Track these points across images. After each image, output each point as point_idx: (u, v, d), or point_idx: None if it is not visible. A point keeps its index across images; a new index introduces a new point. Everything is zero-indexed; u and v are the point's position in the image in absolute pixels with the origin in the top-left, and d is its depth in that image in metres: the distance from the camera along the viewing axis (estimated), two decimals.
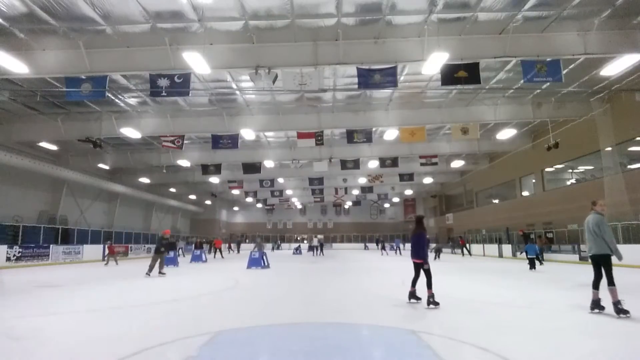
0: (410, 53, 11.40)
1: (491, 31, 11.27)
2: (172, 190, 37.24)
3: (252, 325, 5.37)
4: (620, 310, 5.54)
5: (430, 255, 9.25)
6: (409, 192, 43.03)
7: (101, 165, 24.43)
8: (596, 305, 5.85)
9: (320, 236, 36.84)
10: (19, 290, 9.02)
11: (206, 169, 24.44)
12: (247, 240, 49.62)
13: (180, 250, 28.65)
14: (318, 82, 12.51)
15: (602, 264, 5.72)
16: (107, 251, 19.77)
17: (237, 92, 15.40)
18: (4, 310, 6.48)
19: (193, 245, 28.88)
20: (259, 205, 47.71)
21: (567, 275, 12.44)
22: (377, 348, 4.39)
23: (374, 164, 24.92)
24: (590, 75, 14.44)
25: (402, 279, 10.83)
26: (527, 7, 10.26)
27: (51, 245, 19.77)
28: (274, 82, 11.47)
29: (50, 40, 11.13)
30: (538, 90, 16.12)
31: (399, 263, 19.92)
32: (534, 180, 25.29)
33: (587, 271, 12.80)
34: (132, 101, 16.20)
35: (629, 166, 17.75)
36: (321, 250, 30.48)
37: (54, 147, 20.61)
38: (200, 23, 10.58)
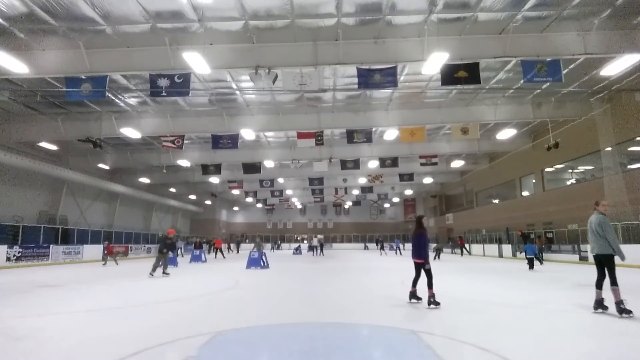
0: (410, 53, 11.41)
1: (491, 31, 11.27)
2: (172, 190, 37.23)
3: (252, 325, 5.37)
4: (622, 310, 5.54)
5: (431, 255, 9.25)
6: (409, 192, 43.04)
7: (101, 165, 24.43)
8: (599, 305, 5.86)
9: (320, 236, 36.84)
10: (19, 290, 9.02)
11: (206, 169, 24.44)
12: (247, 240, 49.63)
13: (180, 250, 28.64)
14: (318, 82, 12.52)
15: (605, 263, 5.73)
16: (105, 251, 19.73)
17: (237, 92, 15.40)
18: (4, 310, 6.48)
19: (192, 245, 28.87)
20: (259, 205, 47.72)
21: (566, 275, 12.45)
22: (377, 348, 4.39)
23: (374, 164, 24.92)
24: (590, 75, 14.44)
25: (402, 279, 10.84)
26: (527, 7, 10.26)
27: (51, 245, 19.77)
28: (274, 82, 11.47)
29: (50, 40, 11.13)
30: (538, 90, 16.12)
31: (399, 263, 19.92)
32: (534, 180, 25.29)
33: (587, 271, 12.84)
34: (132, 101, 16.20)
35: (629, 166, 17.74)
36: (321, 250, 30.49)
37: (54, 147, 20.60)
38: (200, 23, 10.57)
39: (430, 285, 6.48)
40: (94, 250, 22.55)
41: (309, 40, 11.39)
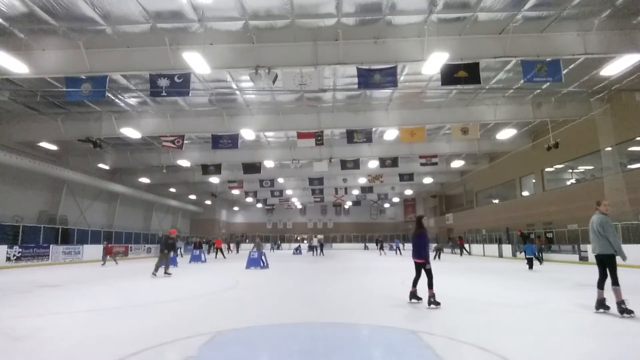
0: (410, 53, 11.40)
1: (491, 31, 11.27)
2: (172, 190, 37.23)
3: (252, 325, 5.37)
4: (623, 310, 5.54)
5: (431, 255, 9.26)
6: (409, 192, 43.04)
7: (101, 165, 24.43)
8: (601, 305, 5.86)
9: (320, 236, 36.83)
10: (19, 290, 9.02)
11: (206, 169, 24.45)
12: (247, 240, 49.63)
13: (180, 250, 28.62)
14: (318, 82, 12.51)
15: (606, 263, 5.73)
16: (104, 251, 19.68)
17: (237, 92, 15.40)
18: (4, 310, 6.48)
19: (192, 245, 28.86)
20: (259, 205, 47.72)
21: (566, 275, 12.45)
22: (377, 348, 4.39)
23: (374, 164, 24.92)
24: (590, 75, 14.44)
25: (402, 279, 10.84)
26: (527, 7, 10.25)
27: (51, 245, 19.78)
28: (274, 82, 11.47)
29: (50, 40, 11.13)
30: (538, 90, 16.12)
31: (399, 263, 19.92)
32: (534, 180, 25.29)
33: (587, 271, 12.85)
34: (132, 101, 16.20)
35: (629, 166, 17.75)
36: (321, 250, 30.48)
37: (54, 147, 20.60)
38: (200, 23, 10.57)
39: (430, 285, 6.48)
40: (94, 250, 22.55)
41: (309, 40, 11.38)
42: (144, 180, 29.29)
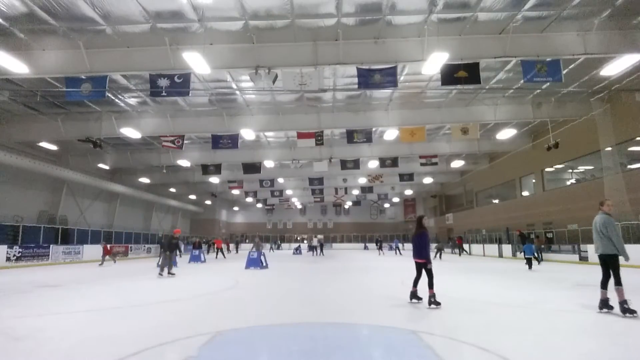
0: (410, 53, 11.40)
1: (491, 31, 11.26)
2: (172, 190, 37.23)
3: (251, 325, 5.38)
4: (626, 310, 5.55)
5: (432, 254, 9.27)
6: (409, 192, 43.04)
7: (101, 165, 24.43)
8: (604, 304, 5.87)
9: (320, 236, 36.83)
10: (19, 290, 9.02)
11: (206, 169, 24.45)
12: (247, 240, 49.62)
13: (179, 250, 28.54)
14: (318, 82, 12.51)
15: (609, 263, 5.74)
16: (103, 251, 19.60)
17: (237, 92, 15.40)
18: (4, 310, 6.48)
19: (192, 245, 28.83)
20: (259, 205, 47.71)
21: (566, 275, 12.43)
22: (377, 348, 4.39)
23: (374, 164, 24.92)
24: (590, 75, 14.44)
25: (402, 279, 10.84)
26: (527, 7, 10.26)
27: (51, 245, 19.77)
28: (274, 82, 11.47)
29: (50, 40, 11.13)
30: (538, 90, 16.12)
31: (399, 263, 19.92)
32: (534, 180, 25.29)
33: (587, 271, 12.85)
34: (132, 101, 16.20)
35: (629, 166, 17.75)
36: (321, 250, 30.48)
37: (54, 147, 20.60)
38: (200, 23, 10.58)
39: (431, 285, 6.48)
40: (93, 250, 22.52)
41: (309, 40, 11.38)
42: (144, 180, 29.29)
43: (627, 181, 16.84)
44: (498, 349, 4.04)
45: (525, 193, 26.73)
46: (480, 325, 5.24)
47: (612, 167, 17.91)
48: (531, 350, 4.07)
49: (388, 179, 30.50)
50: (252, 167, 23.96)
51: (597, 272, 5.99)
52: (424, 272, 6.69)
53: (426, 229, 7.03)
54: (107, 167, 25.23)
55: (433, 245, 23.93)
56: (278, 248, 45.52)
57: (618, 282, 5.61)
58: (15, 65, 10.35)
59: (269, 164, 25.15)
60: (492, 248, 26.98)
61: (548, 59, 11.32)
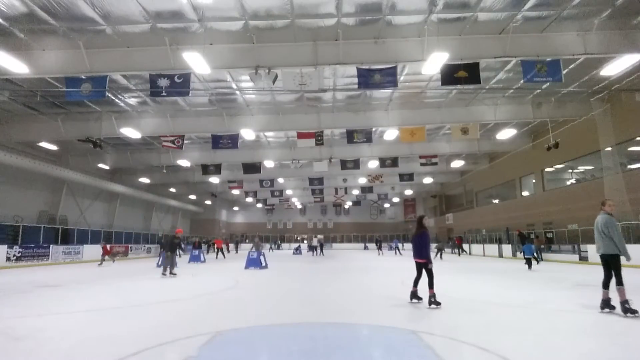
0: (410, 53, 11.40)
1: (491, 31, 11.26)
2: (172, 190, 37.23)
3: (251, 325, 5.38)
4: (627, 310, 5.56)
5: (432, 254, 9.28)
6: (409, 192, 43.04)
7: (101, 165, 24.43)
8: (606, 304, 5.87)
9: (320, 236, 36.83)
10: (19, 290, 9.02)
11: (206, 169, 24.45)
12: (246, 241, 49.63)
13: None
14: (318, 82, 12.51)
15: (611, 263, 5.75)
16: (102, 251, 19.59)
17: (237, 92, 15.40)
18: (4, 310, 6.48)
19: (191, 245, 28.82)
20: (259, 205, 47.71)
21: (566, 275, 12.43)
22: (377, 348, 4.39)
23: (374, 164, 24.92)
24: (590, 75, 14.44)
25: (402, 279, 10.85)
26: (527, 7, 10.25)
27: (51, 245, 19.77)
28: (274, 82, 11.47)
29: (50, 40, 11.13)
30: (538, 90, 16.12)
31: (399, 263, 19.93)
32: (534, 180, 25.28)
33: (587, 271, 12.84)
34: (132, 101, 16.20)
35: (629, 166, 17.75)
36: (321, 250, 30.48)
37: (54, 147, 20.60)
38: (200, 23, 10.57)
39: (431, 285, 6.48)
40: (93, 250, 22.52)
41: (309, 40, 11.38)
42: (144, 180, 29.29)
43: (627, 181, 16.84)
44: (498, 349, 4.04)
45: (525, 193, 26.73)
46: (480, 325, 5.24)
47: (612, 167, 17.91)
48: (531, 350, 4.07)
49: (388, 179, 30.50)
50: (252, 167, 23.96)
51: (597, 272, 6.00)
52: (424, 272, 6.70)
53: (427, 229, 7.03)
54: (107, 167, 25.23)
55: (433, 245, 23.93)
56: (278, 248, 45.52)
57: (619, 282, 5.62)
58: (15, 65, 10.34)
59: (269, 164, 25.15)
60: (492, 248, 26.98)
61: (548, 59, 11.32)
